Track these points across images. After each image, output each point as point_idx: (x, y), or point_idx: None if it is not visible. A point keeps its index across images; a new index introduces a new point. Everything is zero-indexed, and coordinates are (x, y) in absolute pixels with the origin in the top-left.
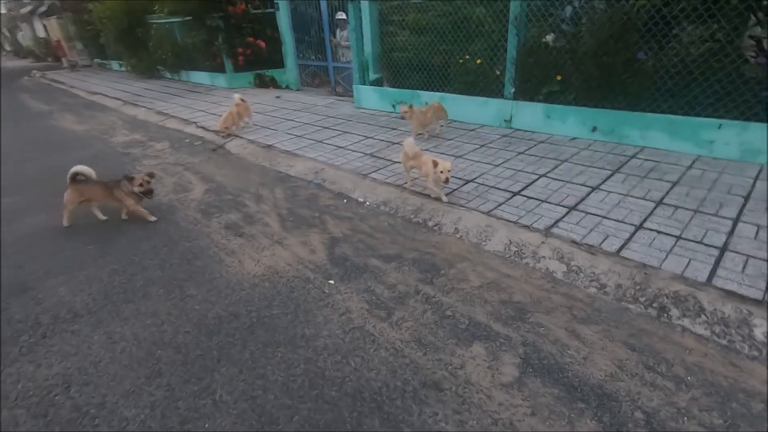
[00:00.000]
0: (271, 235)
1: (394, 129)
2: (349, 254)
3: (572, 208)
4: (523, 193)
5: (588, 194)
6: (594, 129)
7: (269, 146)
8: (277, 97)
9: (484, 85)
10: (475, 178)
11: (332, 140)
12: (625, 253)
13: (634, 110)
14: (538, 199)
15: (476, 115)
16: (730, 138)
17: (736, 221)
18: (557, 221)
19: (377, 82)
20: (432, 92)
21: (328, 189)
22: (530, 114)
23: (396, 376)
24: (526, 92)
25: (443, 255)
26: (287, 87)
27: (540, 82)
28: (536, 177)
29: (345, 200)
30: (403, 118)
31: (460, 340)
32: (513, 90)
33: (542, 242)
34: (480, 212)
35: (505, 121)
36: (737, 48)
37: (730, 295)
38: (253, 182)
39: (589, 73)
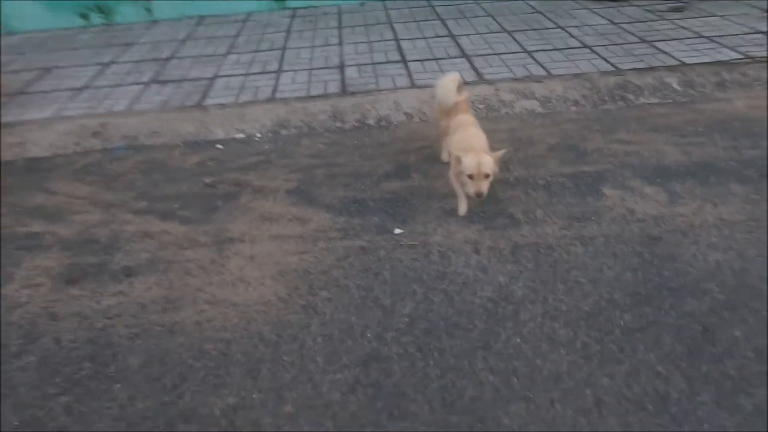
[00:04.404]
0: (215, 235)
1: (132, 44)
2: (345, 195)
3: (467, 56)
4: (413, 59)
5: (448, 42)
6: None
7: None
8: None
9: None
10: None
11: (49, 84)
12: (554, 72)
13: None
14: (431, 58)
15: (235, 3)
16: None
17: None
18: (475, 71)
19: None
20: None
21: (167, 146)
22: None
23: (627, 260)
24: None
25: (433, 143)
26: None
27: None
28: (392, 40)
29: (219, 146)
30: None
31: (593, 195)
32: None
33: (495, 90)
34: (405, 88)
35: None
36: None
37: (639, 71)
38: None
39: None
